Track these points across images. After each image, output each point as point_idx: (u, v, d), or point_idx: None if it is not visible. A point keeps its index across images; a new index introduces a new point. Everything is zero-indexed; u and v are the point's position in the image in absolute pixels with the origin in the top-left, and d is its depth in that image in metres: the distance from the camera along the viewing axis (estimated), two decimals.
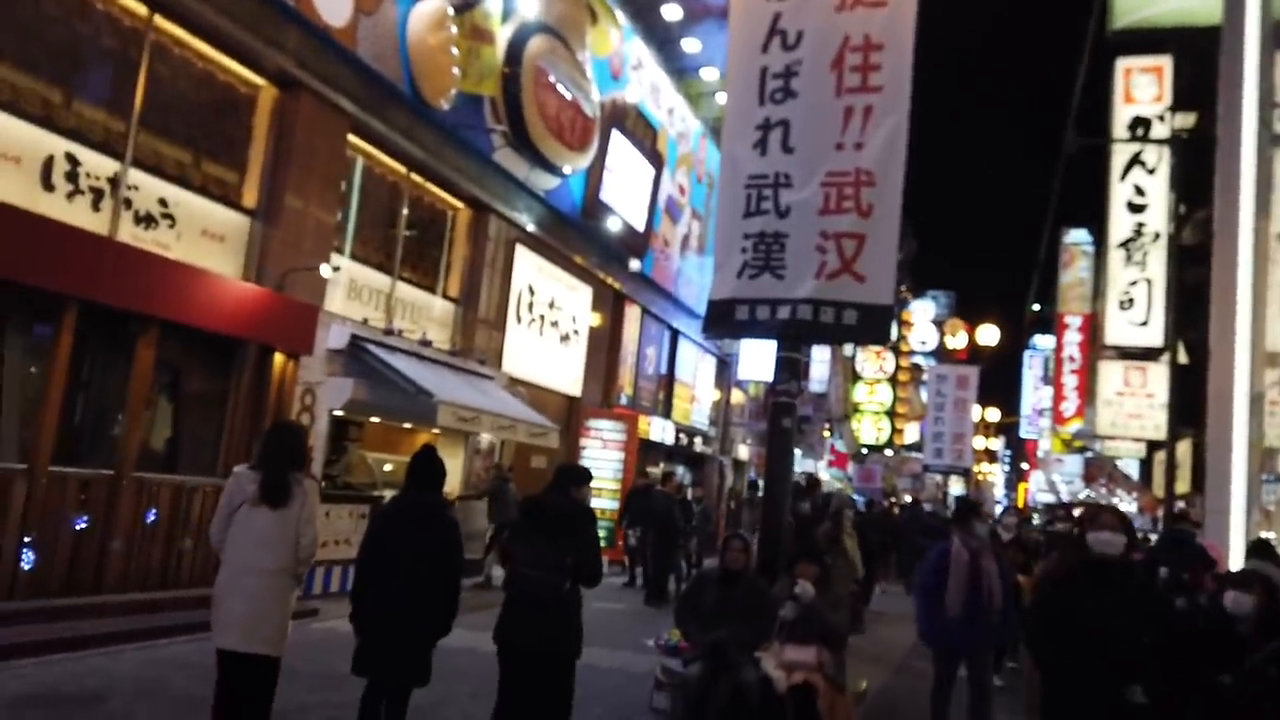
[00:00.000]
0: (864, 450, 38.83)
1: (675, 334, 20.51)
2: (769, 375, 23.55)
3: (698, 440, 21.30)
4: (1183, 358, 20.59)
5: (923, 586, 5.85)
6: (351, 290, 10.69)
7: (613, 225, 15.21)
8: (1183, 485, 23.18)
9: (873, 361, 36.31)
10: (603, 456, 15.80)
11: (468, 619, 5.05)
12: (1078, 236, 41.46)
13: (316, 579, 9.79)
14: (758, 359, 22.97)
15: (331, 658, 7.16)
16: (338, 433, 12.77)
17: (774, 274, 6.09)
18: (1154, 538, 14.81)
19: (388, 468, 12.10)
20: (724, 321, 6.24)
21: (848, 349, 36.65)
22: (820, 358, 29.12)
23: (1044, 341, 50.71)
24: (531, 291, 14.10)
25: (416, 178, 11.71)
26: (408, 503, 4.51)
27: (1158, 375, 22.62)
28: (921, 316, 46.92)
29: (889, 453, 39.33)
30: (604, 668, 7.76)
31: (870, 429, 36.58)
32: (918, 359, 47.57)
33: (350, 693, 4.63)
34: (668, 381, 20.29)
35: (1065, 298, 41.82)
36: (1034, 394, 52.45)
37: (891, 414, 37.24)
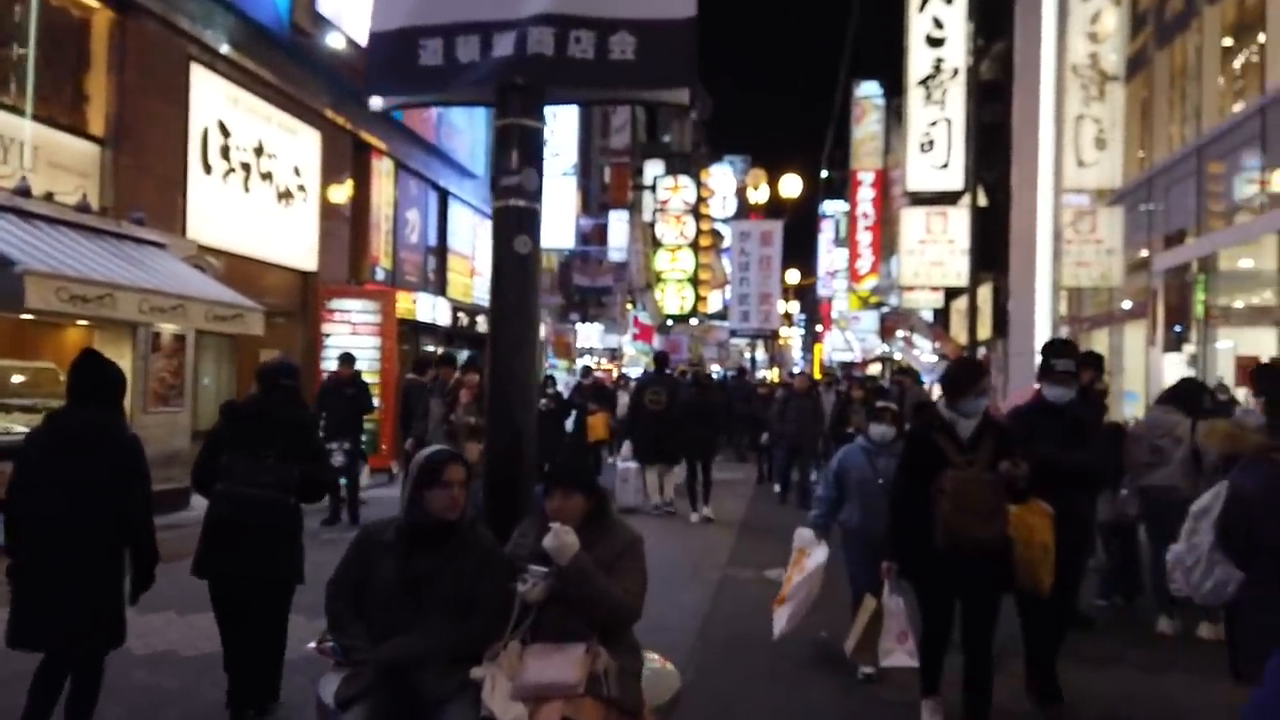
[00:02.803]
0: (669, 321, 37.34)
1: (445, 196, 17.35)
2: (560, 239, 20.98)
3: (481, 319, 18.51)
4: (981, 200, 19.64)
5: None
6: None
7: (334, 43, 11.74)
8: (983, 331, 22.83)
9: (673, 226, 34.32)
10: (352, 344, 12.71)
11: None
12: (869, 89, 40.69)
13: None
14: (546, 221, 20.22)
15: None
16: None
17: None
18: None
19: (18, 379, 8.66)
20: (399, 72, 3.44)
21: (646, 211, 34.48)
22: (619, 218, 26.71)
23: (833, 206, 50.92)
24: (225, 131, 10.57)
25: None
26: (65, 423, 3.56)
27: (958, 220, 21.79)
28: (721, 182, 45.35)
29: (694, 322, 38.08)
30: (287, 658, 5.08)
31: (674, 298, 34.92)
32: (718, 226, 46.39)
33: None
34: (439, 253, 17.23)
35: (858, 153, 41.31)
36: (827, 257, 52.98)
37: (695, 281, 35.70)
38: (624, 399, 12.93)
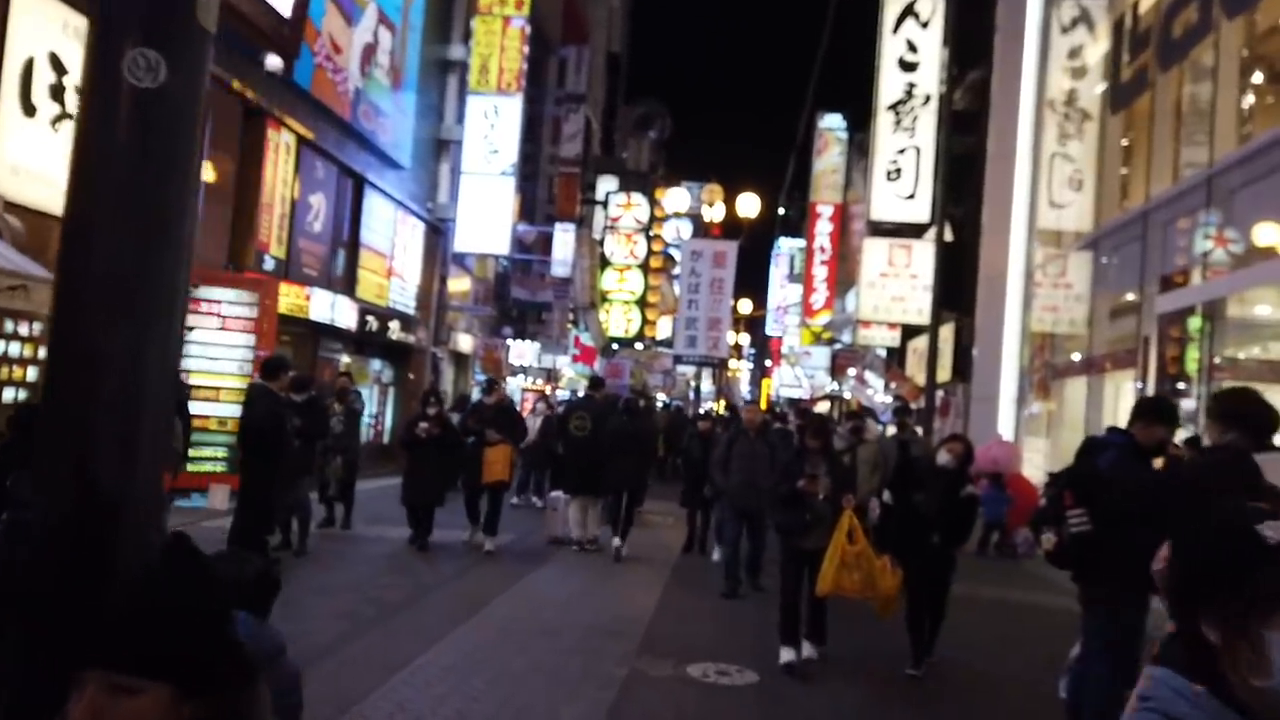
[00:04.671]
0: (614, 346, 35.56)
1: (361, 184, 15.39)
2: (494, 245, 19.10)
3: (395, 325, 16.50)
4: (948, 235, 18.30)
5: None
6: None
7: None
8: (943, 373, 21.45)
9: (623, 245, 32.65)
10: (222, 341, 10.75)
11: None
12: (833, 121, 39.79)
13: None
14: (479, 225, 18.37)
15: None
16: None
17: None
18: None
19: None
20: None
21: (596, 228, 32.75)
22: (565, 230, 24.87)
23: (789, 244, 49.95)
24: (58, 67, 8.53)
25: None
26: None
27: (923, 254, 20.49)
28: (676, 204, 43.85)
29: (639, 346, 36.32)
30: None
31: (620, 320, 33.14)
32: (671, 250, 45.00)
33: None
34: (350, 247, 15.23)
35: (818, 186, 40.29)
36: (779, 292, 51.92)
37: (642, 304, 34.00)
38: (534, 423, 11.01)
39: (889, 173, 21.09)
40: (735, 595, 7.62)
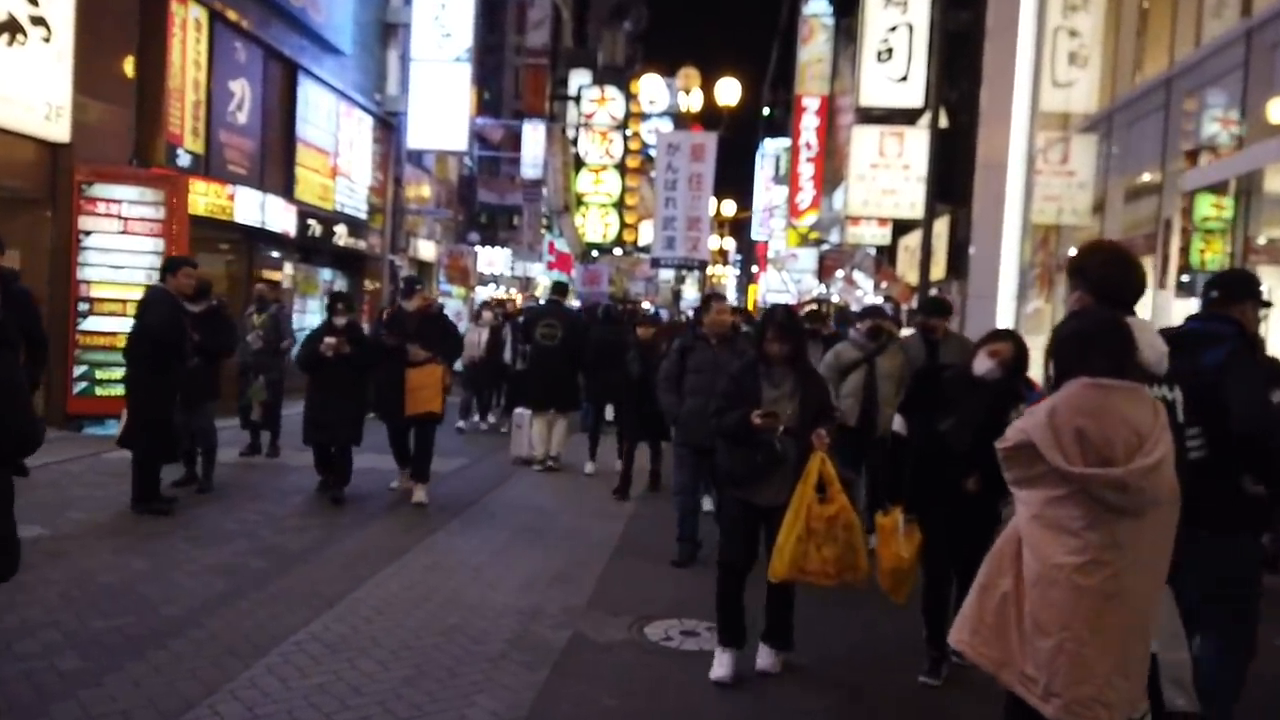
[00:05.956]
0: (595, 254, 34.09)
1: (293, 70, 13.77)
2: (451, 140, 17.54)
3: (341, 230, 15.07)
4: (943, 121, 16.79)
5: None
6: None
7: None
8: (937, 270, 20.25)
9: (598, 144, 30.96)
10: (125, 246, 9.42)
11: None
12: (817, 7, 37.47)
13: None
14: (433, 118, 16.79)
15: None
16: None
17: None
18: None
19: None
20: None
21: (569, 127, 30.96)
22: (534, 128, 23.18)
23: (774, 145, 47.92)
24: None
25: None
26: None
27: (916, 142, 19.11)
28: (652, 93, 41.65)
29: (618, 252, 34.92)
30: None
31: (597, 224, 31.71)
32: (650, 153, 43.08)
33: None
34: (283, 142, 13.69)
35: (804, 77, 38.15)
36: (765, 194, 50.19)
37: (620, 207, 32.48)
38: (476, 335, 9.74)
39: (879, 53, 19.48)
40: (692, 561, 5.71)
